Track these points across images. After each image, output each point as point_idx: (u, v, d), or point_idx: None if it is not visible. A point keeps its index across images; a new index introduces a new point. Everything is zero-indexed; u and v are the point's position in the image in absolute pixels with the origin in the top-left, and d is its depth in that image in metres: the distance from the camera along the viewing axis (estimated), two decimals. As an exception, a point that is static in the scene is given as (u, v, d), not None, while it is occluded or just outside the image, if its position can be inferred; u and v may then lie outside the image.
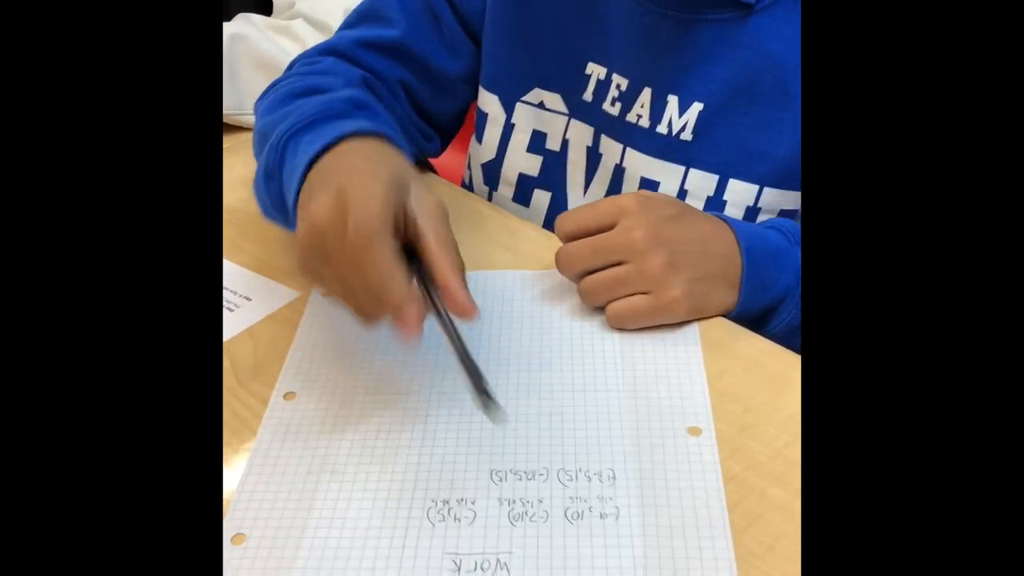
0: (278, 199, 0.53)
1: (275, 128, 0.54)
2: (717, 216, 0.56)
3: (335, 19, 0.75)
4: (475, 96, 0.71)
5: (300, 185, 0.48)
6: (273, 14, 0.85)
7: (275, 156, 0.53)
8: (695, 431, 0.45)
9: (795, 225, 0.58)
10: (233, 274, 0.59)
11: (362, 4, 0.69)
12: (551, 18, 0.64)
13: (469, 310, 0.43)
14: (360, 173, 0.44)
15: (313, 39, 0.76)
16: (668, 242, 0.51)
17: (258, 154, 0.58)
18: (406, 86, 0.67)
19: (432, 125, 0.70)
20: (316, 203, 0.43)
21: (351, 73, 0.63)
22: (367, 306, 0.43)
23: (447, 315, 0.44)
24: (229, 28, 0.77)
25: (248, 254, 0.61)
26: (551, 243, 0.55)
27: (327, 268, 0.43)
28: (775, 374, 0.49)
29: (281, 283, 0.58)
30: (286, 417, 0.48)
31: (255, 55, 0.76)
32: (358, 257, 0.41)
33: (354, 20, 0.68)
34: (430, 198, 0.45)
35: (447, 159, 0.80)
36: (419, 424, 0.47)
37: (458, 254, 0.45)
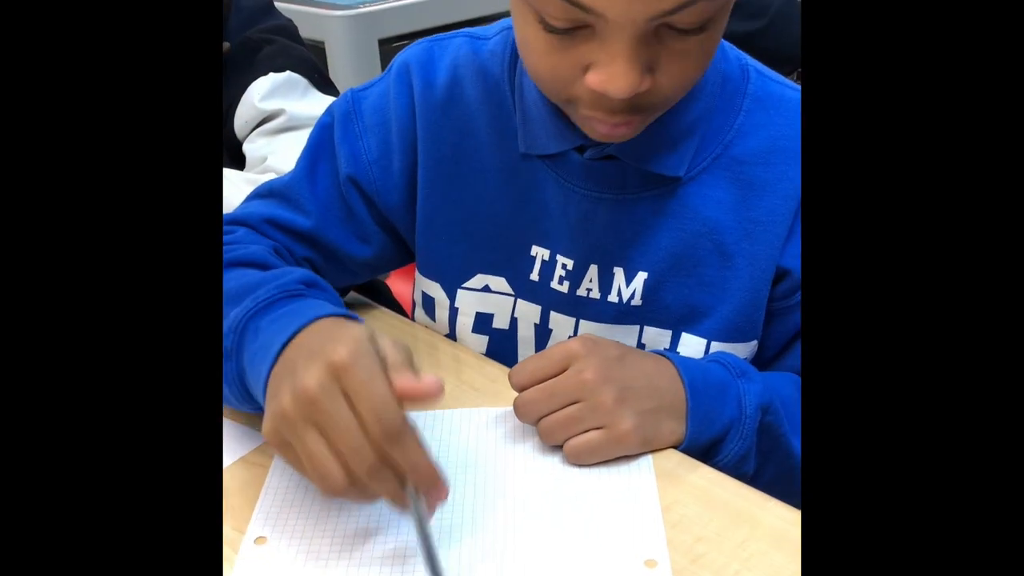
0: (233, 379, 0.54)
1: (225, 309, 0.56)
2: (660, 353, 0.60)
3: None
4: (376, 275, 0.74)
5: (272, 366, 0.49)
6: (246, 168, 0.90)
7: (233, 340, 0.54)
8: (651, 563, 0.48)
9: (736, 358, 0.62)
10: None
11: (277, 181, 0.71)
12: (488, 210, 0.66)
13: (434, 390, 0.46)
14: (351, 350, 0.46)
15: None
16: (616, 380, 0.55)
17: None
18: (311, 263, 0.69)
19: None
20: (306, 375, 0.45)
21: (262, 244, 0.66)
22: (336, 474, 0.45)
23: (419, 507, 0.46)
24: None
25: (219, 400, 0.63)
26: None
27: (307, 436, 0.45)
28: (724, 504, 0.52)
29: (251, 427, 0.60)
30: (257, 561, 0.49)
31: (230, 206, 0.80)
32: (387, 443, 0.44)
33: (265, 192, 0.71)
34: (394, 353, 0.48)
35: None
36: (386, 566, 0.48)
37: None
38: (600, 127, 0.55)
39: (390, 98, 0.67)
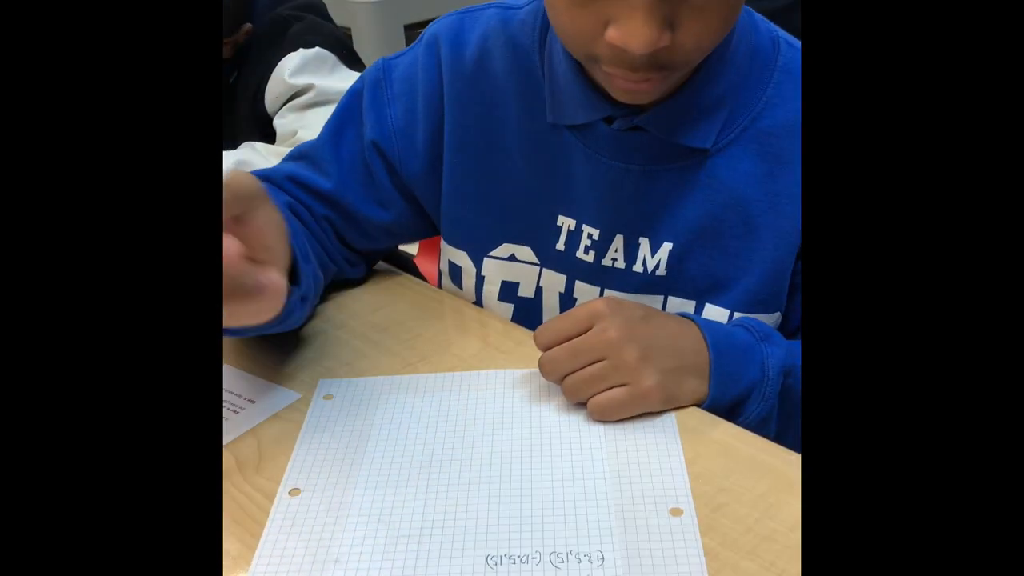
0: None
1: None
2: (684, 315, 0.61)
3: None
4: (397, 242, 0.76)
5: None
6: (276, 142, 0.92)
7: None
8: (676, 511, 0.49)
9: (760, 323, 0.63)
10: (235, 378, 0.63)
11: (306, 143, 0.73)
12: (515, 180, 0.67)
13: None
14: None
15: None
16: (640, 338, 0.56)
17: None
18: (331, 222, 0.71)
19: (357, 254, 0.74)
20: None
21: (278, 198, 0.67)
22: None
23: None
24: (235, 155, 0.83)
25: (250, 358, 0.65)
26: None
27: None
28: (746, 457, 0.53)
29: (283, 385, 0.62)
30: (291, 511, 0.51)
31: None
32: None
33: (296, 154, 0.73)
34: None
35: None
36: (416, 514, 0.50)
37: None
38: (621, 83, 0.55)
39: (418, 68, 0.69)
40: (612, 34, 0.51)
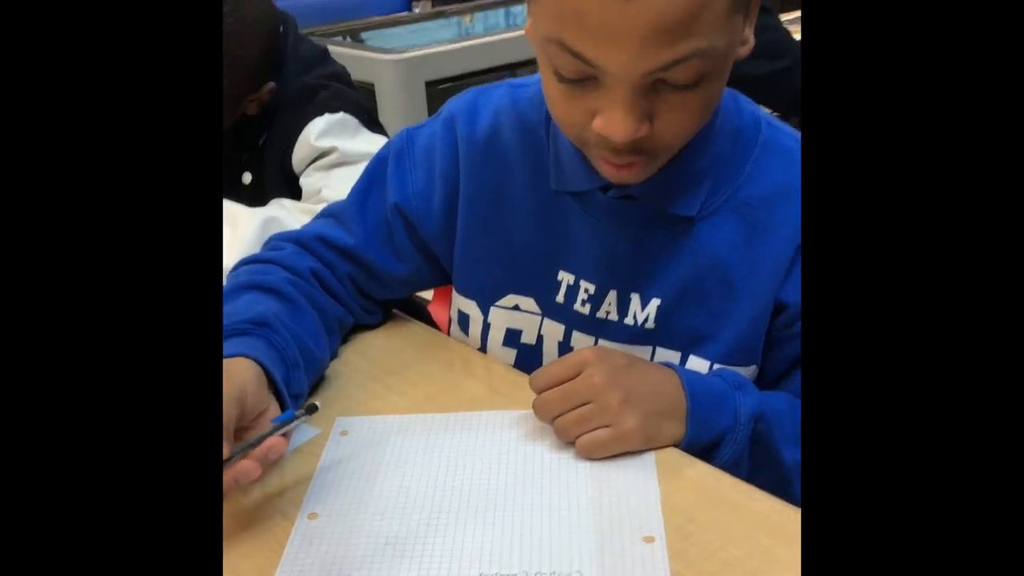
0: None
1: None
2: (667, 364, 0.68)
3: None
4: (412, 291, 0.83)
5: None
6: (302, 199, 1.00)
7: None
8: (649, 539, 0.55)
9: (736, 374, 0.69)
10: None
11: (335, 204, 0.82)
12: (522, 239, 0.75)
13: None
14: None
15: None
16: (623, 384, 0.62)
17: None
18: (352, 278, 0.79)
19: (374, 303, 0.82)
20: None
21: (301, 264, 0.76)
22: None
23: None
24: (265, 211, 0.92)
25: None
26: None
27: None
28: (715, 493, 0.59)
29: (305, 424, 0.69)
30: (310, 533, 0.57)
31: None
32: None
33: (326, 213, 0.82)
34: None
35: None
36: (420, 537, 0.56)
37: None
38: (608, 167, 0.63)
39: (437, 140, 0.77)
40: (597, 123, 0.59)
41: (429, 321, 1.12)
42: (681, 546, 0.55)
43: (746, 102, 0.73)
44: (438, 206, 0.77)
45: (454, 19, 3.25)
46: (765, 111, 0.74)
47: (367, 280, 0.80)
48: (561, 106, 0.61)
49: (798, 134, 0.74)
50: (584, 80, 0.58)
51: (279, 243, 0.80)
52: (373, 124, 1.04)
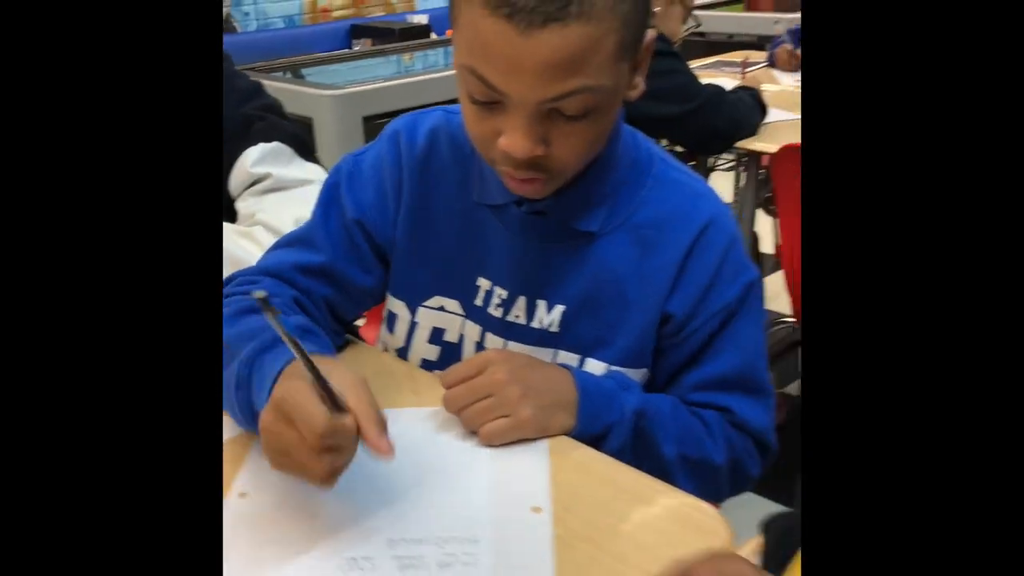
0: (246, 405, 0.70)
1: (241, 344, 0.71)
2: (563, 365, 0.77)
3: (287, 227, 0.97)
4: (377, 303, 0.90)
5: (268, 395, 0.64)
6: (237, 222, 1.07)
7: (246, 370, 0.70)
8: (537, 509, 0.64)
9: (624, 376, 0.79)
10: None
11: (294, 232, 0.88)
12: (448, 245, 0.83)
13: (385, 451, 0.60)
14: (285, 387, 0.62)
15: (269, 242, 0.98)
16: (521, 380, 0.71)
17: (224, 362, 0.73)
18: (328, 301, 0.86)
19: (341, 325, 0.90)
20: (263, 413, 0.62)
21: (284, 295, 0.82)
22: (315, 472, 0.60)
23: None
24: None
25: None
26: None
27: (272, 456, 0.62)
28: (597, 472, 0.68)
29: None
30: (240, 512, 0.65)
31: (225, 255, 0.97)
32: (314, 441, 0.59)
33: (286, 242, 0.88)
34: (349, 376, 0.62)
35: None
36: (340, 509, 0.64)
37: (375, 409, 0.61)
38: (511, 182, 0.72)
39: (383, 157, 0.86)
40: (501, 141, 0.68)
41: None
42: (564, 516, 0.63)
43: (643, 139, 0.84)
44: (391, 213, 0.85)
45: (394, 57, 3.36)
46: (659, 148, 0.85)
47: (340, 299, 0.86)
48: (474, 125, 0.70)
49: (685, 168, 0.84)
50: (492, 103, 0.67)
51: (252, 277, 0.85)
52: (307, 153, 1.12)
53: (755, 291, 0.81)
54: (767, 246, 1.70)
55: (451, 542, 0.61)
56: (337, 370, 0.63)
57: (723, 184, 1.84)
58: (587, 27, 0.61)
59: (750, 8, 4.63)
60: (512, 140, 0.67)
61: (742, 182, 2.07)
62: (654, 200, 0.80)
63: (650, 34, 0.71)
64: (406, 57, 3.35)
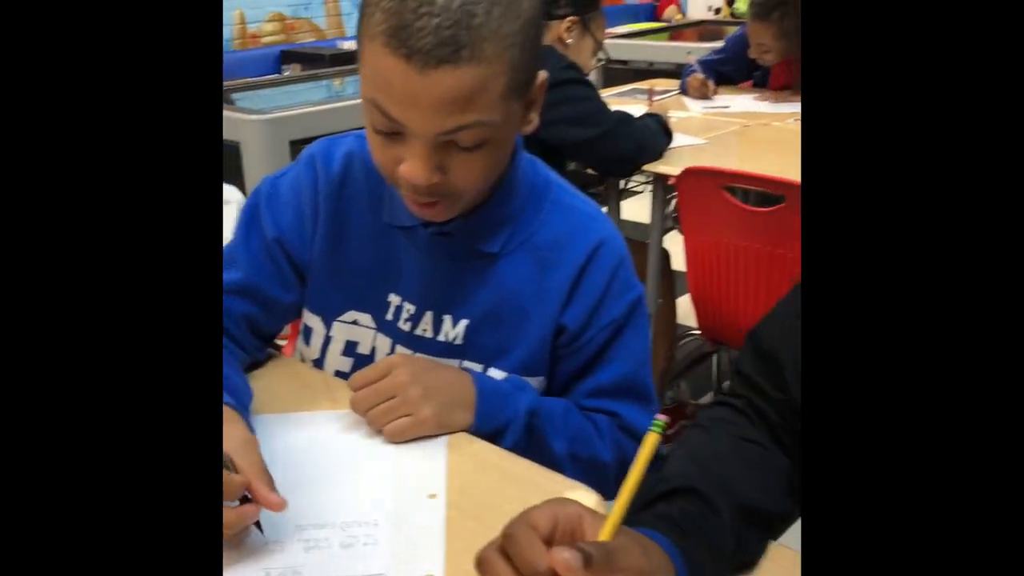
0: None
1: None
2: (461, 368, 0.85)
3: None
4: (297, 318, 0.96)
5: None
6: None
7: None
8: (433, 495, 0.71)
9: (521, 380, 0.86)
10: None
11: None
12: (361, 263, 0.89)
13: (278, 505, 0.65)
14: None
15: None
16: (422, 381, 0.79)
17: None
18: (249, 319, 0.91)
19: (262, 341, 0.95)
20: None
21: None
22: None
23: None
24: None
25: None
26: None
27: None
28: (490, 463, 0.76)
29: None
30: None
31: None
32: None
33: None
34: (238, 437, 0.68)
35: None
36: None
37: (263, 468, 0.67)
38: (413, 206, 0.80)
39: (301, 180, 0.91)
40: (402, 169, 0.75)
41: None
42: (458, 500, 0.71)
43: (541, 166, 0.92)
44: (309, 233, 0.91)
45: (324, 82, 3.42)
46: (556, 175, 0.93)
47: (261, 316, 0.91)
48: (378, 153, 0.77)
49: (580, 194, 0.93)
50: (394, 134, 0.74)
51: None
52: (230, 175, 1.18)
53: (640, 307, 0.90)
54: (679, 263, 1.81)
55: (353, 526, 0.68)
56: (227, 430, 0.69)
57: (643, 204, 1.95)
58: (477, 69, 0.69)
59: (673, 38, 4.82)
60: (412, 168, 0.74)
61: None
62: (551, 223, 0.88)
63: (541, 75, 0.79)
64: (336, 82, 3.40)
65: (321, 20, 4.39)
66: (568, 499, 0.53)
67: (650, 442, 0.52)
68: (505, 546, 0.51)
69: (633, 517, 0.55)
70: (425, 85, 0.69)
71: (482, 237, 0.86)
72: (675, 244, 2.21)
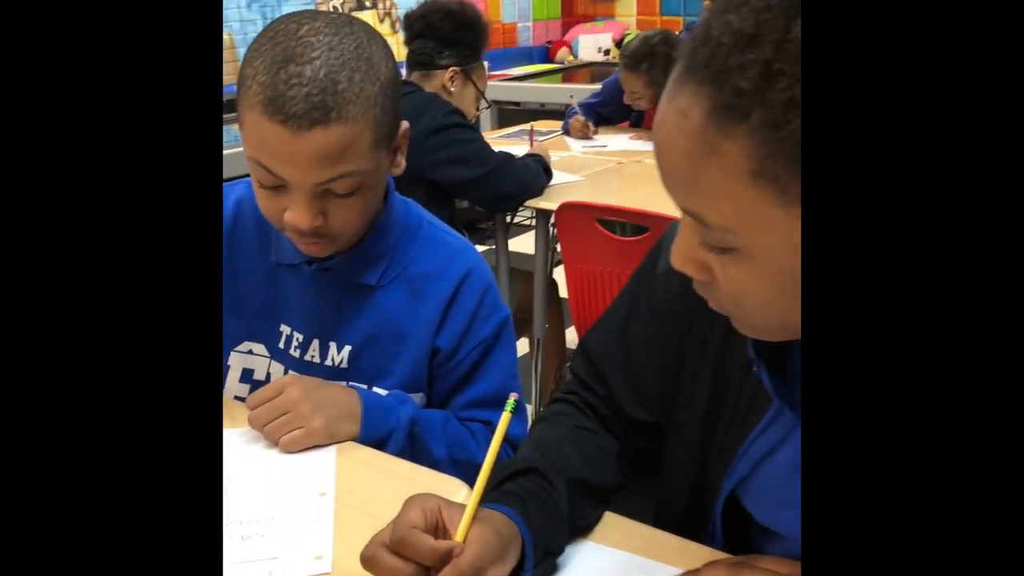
0: None
1: None
2: (348, 385, 0.96)
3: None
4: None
5: None
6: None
7: None
8: (323, 493, 0.82)
9: (403, 394, 0.98)
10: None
11: None
12: (254, 298, 1.00)
13: None
14: None
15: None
16: (312, 397, 0.90)
17: None
18: None
19: None
20: None
21: None
22: None
23: None
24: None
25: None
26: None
27: None
28: (374, 465, 0.87)
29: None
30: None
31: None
32: None
33: None
34: None
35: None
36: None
37: None
38: (300, 245, 0.91)
39: None
40: (287, 216, 0.87)
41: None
42: (345, 496, 0.82)
43: (413, 205, 1.05)
44: None
45: (226, 127, 3.48)
46: (428, 213, 1.06)
47: None
48: (264, 203, 0.89)
49: (449, 229, 1.06)
50: (277, 187, 0.85)
51: None
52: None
53: (507, 327, 1.03)
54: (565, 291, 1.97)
55: (252, 522, 0.78)
56: None
57: (532, 239, 2.11)
58: (345, 127, 0.81)
59: (565, 80, 5.05)
60: (295, 215, 0.85)
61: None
62: (423, 257, 1.00)
63: (403, 125, 0.92)
64: (235, 127, 3.46)
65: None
66: (429, 494, 0.65)
67: (504, 420, 0.65)
68: (398, 550, 0.61)
69: (485, 496, 0.68)
70: (300, 145, 0.80)
71: (360, 271, 0.98)
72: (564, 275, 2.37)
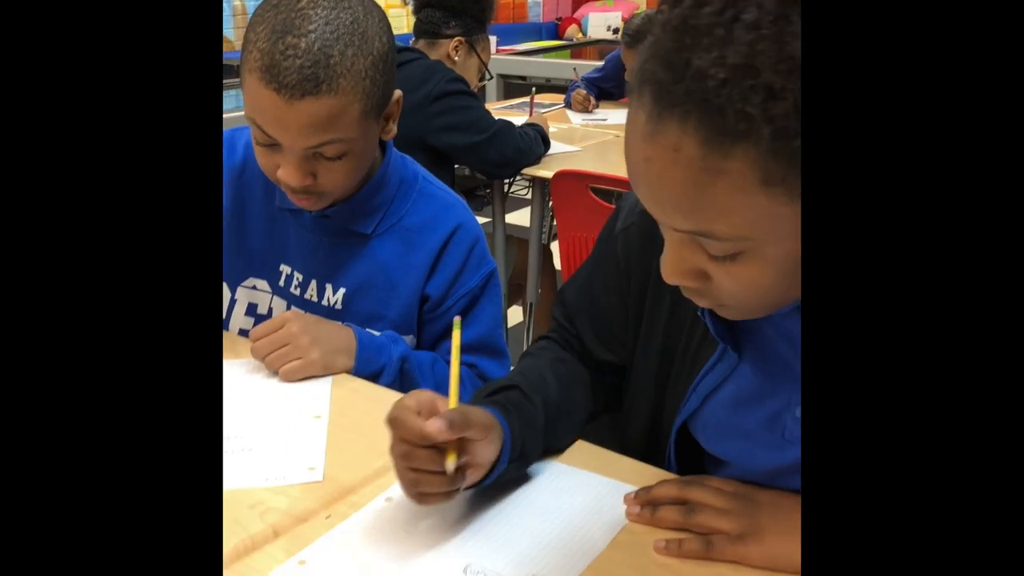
0: None
1: None
2: (344, 324, 1.04)
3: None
4: None
5: None
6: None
7: None
8: (318, 417, 0.90)
9: (394, 333, 1.05)
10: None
11: None
12: (258, 238, 1.08)
13: None
14: None
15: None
16: (311, 331, 0.97)
17: None
18: None
19: None
20: None
21: None
22: None
23: None
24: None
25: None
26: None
27: None
28: (366, 393, 0.95)
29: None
30: None
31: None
32: None
33: None
34: None
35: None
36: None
37: None
38: (293, 199, 0.98)
39: None
40: (280, 173, 0.94)
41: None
42: (338, 420, 0.90)
43: (411, 163, 1.12)
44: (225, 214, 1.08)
45: (233, 92, 3.54)
46: (424, 169, 1.13)
47: None
48: (261, 159, 0.96)
49: (443, 185, 1.13)
50: (272, 145, 0.92)
51: None
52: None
53: (493, 279, 1.11)
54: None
55: (251, 437, 0.86)
56: None
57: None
58: (335, 99, 0.88)
59: (574, 56, 5.09)
60: (287, 174, 0.93)
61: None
62: (417, 210, 1.08)
63: (396, 93, 0.99)
64: (245, 92, 3.51)
65: (231, 32, 4.50)
66: (424, 390, 0.73)
67: (455, 337, 0.76)
68: (391, 427, 0.69)
69: (471, 405, 0.75)
70: (292, 112, 0.87)
71: (357, 220, 1.05)
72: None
